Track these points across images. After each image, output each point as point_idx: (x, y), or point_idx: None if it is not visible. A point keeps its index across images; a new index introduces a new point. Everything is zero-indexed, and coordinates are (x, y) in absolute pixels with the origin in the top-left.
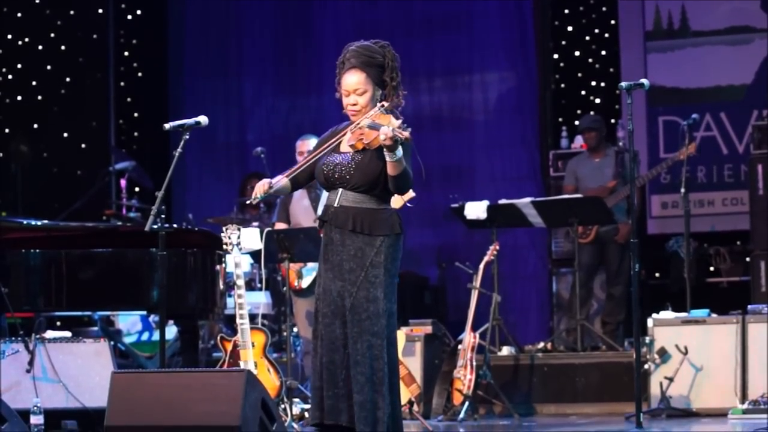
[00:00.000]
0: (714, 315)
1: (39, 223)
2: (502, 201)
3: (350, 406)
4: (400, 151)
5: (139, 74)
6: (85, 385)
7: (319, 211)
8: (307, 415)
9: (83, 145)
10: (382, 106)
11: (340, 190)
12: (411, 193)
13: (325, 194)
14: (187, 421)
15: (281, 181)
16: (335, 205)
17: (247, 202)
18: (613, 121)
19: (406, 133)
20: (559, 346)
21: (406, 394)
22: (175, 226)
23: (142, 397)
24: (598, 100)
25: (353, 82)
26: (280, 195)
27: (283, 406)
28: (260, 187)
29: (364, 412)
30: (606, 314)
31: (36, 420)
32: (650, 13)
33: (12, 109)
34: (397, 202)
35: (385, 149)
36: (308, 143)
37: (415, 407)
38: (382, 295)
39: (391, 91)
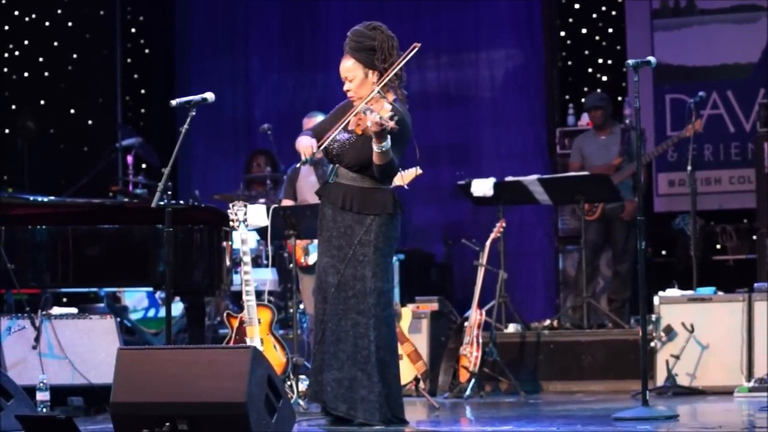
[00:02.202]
0: (720, 293)
1: (45, 199)
2: (509, 178)
3: (318, 382)
4: (387, 143)
5: (146, 51)
6: (91, 361)
7: None
8: None
9: (90, 122)
10: (377, 90)
11: (338, 166)
12: (418, 170)
13: None
14: (193, 397)
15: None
16: (331, 181)
17: (298, 165)
18: (619, 98)
19: (392, 123)
20: (566, 323)
21: (412, 371)
22: (181, 202)
23: (148, 373)
24: (604, 78)
25: (343, 69)
26: None
27: (289, 382)
28: (308, 149)
29: (342, 389)
30: (612, 292)
31: (42, 396)
32: None
33: (19, 85)
34: (400, 180)
35: (373, 138)
36: (315, 120)
37: (422, 384)
38: (371, 273)
39: (383, 73)
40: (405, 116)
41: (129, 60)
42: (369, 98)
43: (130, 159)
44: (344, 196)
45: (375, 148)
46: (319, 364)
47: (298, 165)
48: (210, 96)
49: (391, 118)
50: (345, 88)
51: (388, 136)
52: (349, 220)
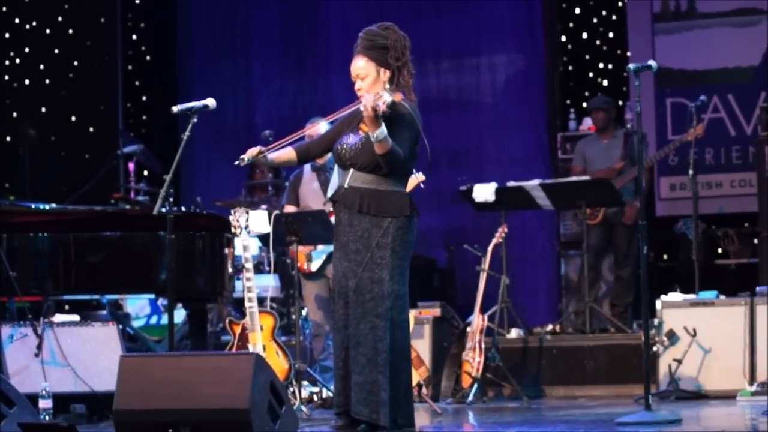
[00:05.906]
0: (722, 297)
1: (47, 206)
2: (511, 183)
3: (347, 388)
4: (382, 132)
5: (147, 57)
6: (93, 368)
7: (330, 192)
8: (315, 398)
9: (91, 129)
10: (387, 88)
11: (351, 170)
12: (420, 176)
13: (335, 177)
14: (195, 404)
15: (277, 151)
16: (345, 185)
17: (236, 162)
18: (621, 103)
19: (383, 107)
20: (568, 328)
21: (414, 376)
22: (183, 209)
23: (150, 380)
24: (605, 82)
25: (354, 68)
26: (283, 165)
27: (291, 389)
28: (252, 151)
29: (364, 393)
30: (614, 296)
31: (44, 404)
32: None
33: (20, 93)
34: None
35: (368, 128)
36: (317, 126)
37: (424, 390)
38: (388, 276)
39: (396, 72)
40: (412, 112)
41: (130, 67)
42: (377, 95)
43: (131, 166)
44: (361, 200)
45: (371, 137)
46: (346, 370)
47: (236, 163)
48: (211, 102)
49: (384, 103)
50: (357, 86)
51: (383, 125)
52: (366, 223)
